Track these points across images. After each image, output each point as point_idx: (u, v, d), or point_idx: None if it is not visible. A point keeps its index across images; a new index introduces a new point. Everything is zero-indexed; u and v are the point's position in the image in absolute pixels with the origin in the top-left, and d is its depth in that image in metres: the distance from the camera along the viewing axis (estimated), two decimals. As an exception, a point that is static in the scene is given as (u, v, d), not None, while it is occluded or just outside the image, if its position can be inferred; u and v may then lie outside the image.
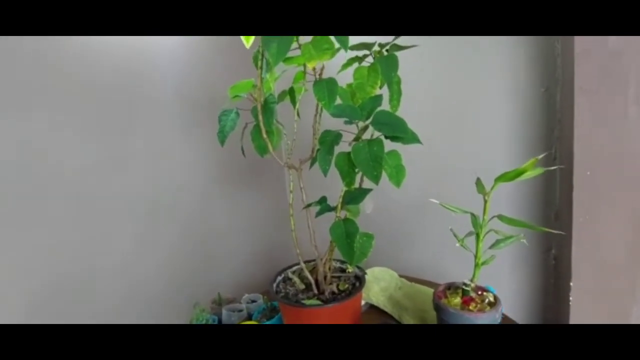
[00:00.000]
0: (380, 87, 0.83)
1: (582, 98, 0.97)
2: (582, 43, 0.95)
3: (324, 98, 0.74)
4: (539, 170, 0.73)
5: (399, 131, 0.68)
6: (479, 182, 0.82)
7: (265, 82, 0.82)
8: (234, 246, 1.39)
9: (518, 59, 1.16)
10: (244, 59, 0.93)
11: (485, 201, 0.79)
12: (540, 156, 0.72)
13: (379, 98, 0.79)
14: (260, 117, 0.76)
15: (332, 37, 0.66)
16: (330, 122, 0.81)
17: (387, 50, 0.90)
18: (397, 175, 0.72)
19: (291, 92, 0.84)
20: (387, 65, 0.81)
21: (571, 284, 1.06)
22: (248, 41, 0.77)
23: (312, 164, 0.82)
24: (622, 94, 0.92)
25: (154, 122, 1.09)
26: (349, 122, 0.77)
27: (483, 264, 0.81)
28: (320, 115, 0.84)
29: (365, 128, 0.75)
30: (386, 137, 0.71)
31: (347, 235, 0.71)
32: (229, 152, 1.05)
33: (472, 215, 0.81)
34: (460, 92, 1.25)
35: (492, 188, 0.78)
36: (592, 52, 0.94)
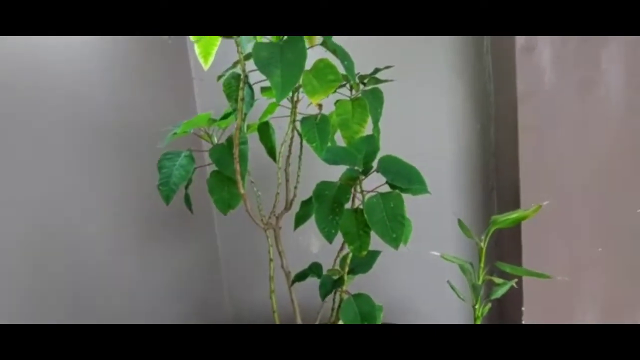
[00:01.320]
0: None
1: (525, 135, 1.04)
2: (523, 85, 1.02)
3: (314, 140, 0.58)
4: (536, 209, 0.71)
5: (415, 181, 0.57)
6: (462, 225, 0.77)
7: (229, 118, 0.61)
8: (149, 307, 1.05)
9: (456, 96, 1.21)
10: (172, 70, 0.68)
11: (481, 249, 0.74)
12: (544, 203, 0.70)
13: (373, 140, 0.66)
14: (236, 165, 0.55)
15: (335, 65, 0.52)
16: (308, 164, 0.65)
17: (363, 83, 0.80)
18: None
19: (263, 129, 0.65)
20: (374, 101, 0.70)
21: (523, 308, 1.11)
22: (207, 59, 0.55)
23: (297, 224, 0.63)
24: (559, 130, 1.01)
25: (40, 151, 0.73)
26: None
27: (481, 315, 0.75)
28: (300, 157, 0.67)
29: (364, 175, 0.61)
30: (393, 187, 0.59)
31: (364, 318, 0.55)
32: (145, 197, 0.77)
33: (471, 265, 0.74)
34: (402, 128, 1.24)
35: (488, 234, 0.74)
36: (532, 93, 1.02)
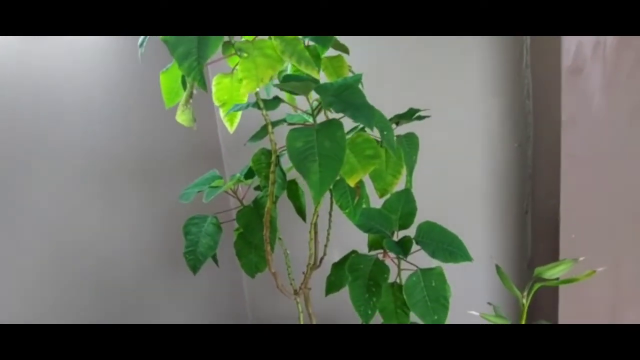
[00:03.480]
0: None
1: (568, 163, 0.96)
2: (568, 109, 0.94)
3: (347, 205, 0.53)
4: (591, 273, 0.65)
5: (458, 252, 0.52)
6: (502, 275, 0.71)
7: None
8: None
9: (492, 114, 1.13)
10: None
11: (523, 306, 0.69)
12: (600, 269, 0.64)
13: (409, 197, 0.61)
14: (265, 232, 0.51)
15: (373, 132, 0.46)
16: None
17: (396, 123, 0.74)
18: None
19: (292, 189, 0.61)
20: (409, 148, 0.65)
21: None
22: (232, 124, 0.52)
23: (329, 290, 0.60)
24: (608, 160, 0.93)
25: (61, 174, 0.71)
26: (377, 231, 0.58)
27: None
28: (331, 214, 0.62)
29: (404, 254, 0.57)
30: (433, 256, 0.55)
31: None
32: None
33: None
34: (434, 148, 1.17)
35: (532, 290, 0.68)
36: (579, 119, 0.94)
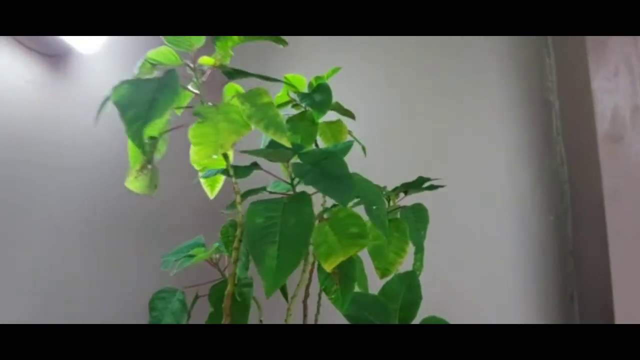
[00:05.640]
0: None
1: (616, 240, 0.82)
2: (610, 181, 0.82)
3: (334, 291, 0.45)
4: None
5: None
6: None
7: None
8: None
9: (523, 182, 1.02)
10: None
11: None
12: None
13: (414, 281, 0.52)
14: (225, 321, 0.42)
15: (359, 212, 0.40)
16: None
17: (404, 192, 0.67)
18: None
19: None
20: (415, 222, 0.56)
21: None
22: (213, 190, 0.47)
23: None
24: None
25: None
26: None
27: None
28: (320, 296, 0.54)
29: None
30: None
31: None
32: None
33: None
34: (460, 216, 1.05)
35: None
36: (622, 192, 0.81)
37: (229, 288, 0.40)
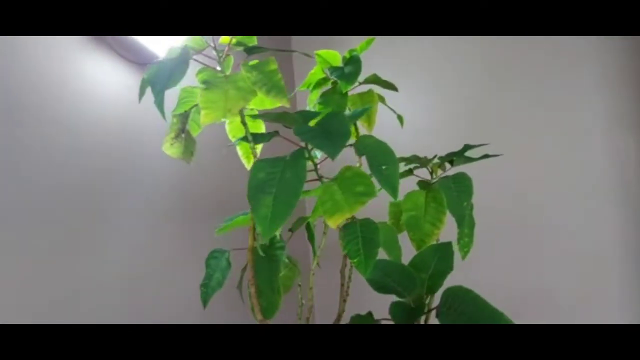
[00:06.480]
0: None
1: None
2: None
3: (357, 254, 0.45)
4: None
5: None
6: None
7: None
8: None
9: (624, 156, 0.84)
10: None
11: None
12: None
13: (447, 250, 0.49)
14: (249, 274, 0.47)
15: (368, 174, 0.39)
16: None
17: (450, 162, 0.62)
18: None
19: (308, 229, 0.57)
20: (456, 192, 0.52)
21: None
22: (249, 161, 0.52)
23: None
24: None
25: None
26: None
27: None
28: (351, 268, 0.54)
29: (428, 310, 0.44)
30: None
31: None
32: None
33: None
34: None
35: None
36: None
37: (249, 242, 0.44)
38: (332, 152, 0.33)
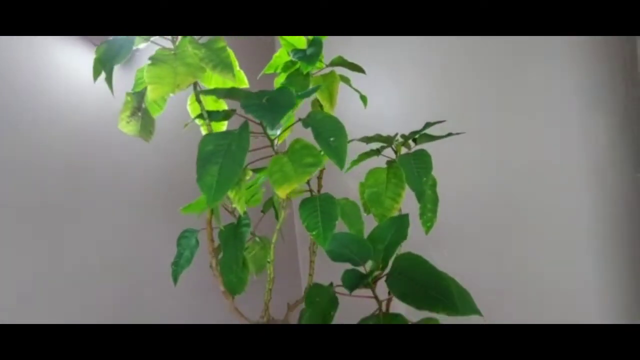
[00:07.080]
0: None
1: None
2: None
3: (315, 227, 0.47)
4: None
5: (443, 296, 0.38)
6: None
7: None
8: None
9: (597, 136, 0.85)
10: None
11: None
12: None
13: (403, 222, 0.50)
14: (209, 248, 0.49)
15: (316, 145, 0.41)
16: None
17: (414, 140, 0.64)
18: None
19: (272, 205, 0.58)
20: (416, 168, 0.54)
21: None
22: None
23: (301, 319, 0.52)
24: None
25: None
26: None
27: None
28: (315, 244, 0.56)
29: (378, 276, 0.46)
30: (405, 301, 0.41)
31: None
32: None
33: None
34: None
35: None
36: None
37: (207, 216, 0.46)
38: (272, 122, 0.34)
